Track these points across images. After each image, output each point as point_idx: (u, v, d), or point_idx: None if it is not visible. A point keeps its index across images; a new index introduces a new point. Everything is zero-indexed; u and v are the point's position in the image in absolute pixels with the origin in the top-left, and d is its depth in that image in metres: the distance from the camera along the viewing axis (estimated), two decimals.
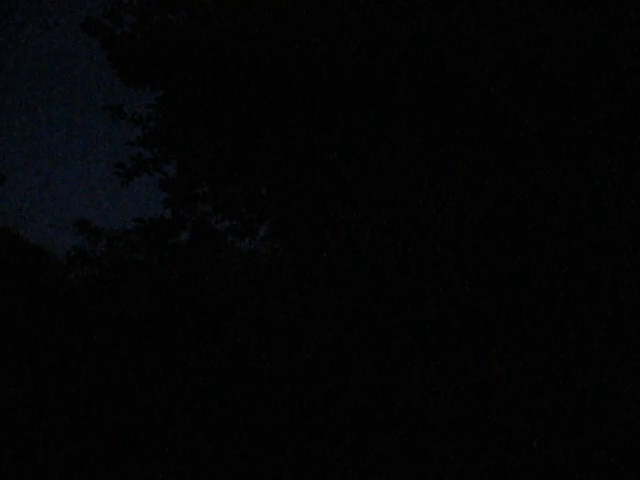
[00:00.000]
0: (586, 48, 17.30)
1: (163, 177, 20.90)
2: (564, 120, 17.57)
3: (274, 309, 19.99)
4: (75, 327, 21.86)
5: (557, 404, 16.21)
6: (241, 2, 19.14)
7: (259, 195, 20.58)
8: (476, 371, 16.92)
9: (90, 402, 20.14)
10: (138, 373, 21.26)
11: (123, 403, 20.02)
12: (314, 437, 17.27)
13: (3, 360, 21.71)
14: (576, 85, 17.38)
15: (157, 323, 20.86)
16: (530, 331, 17.11)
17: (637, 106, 17.11)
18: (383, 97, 18.84)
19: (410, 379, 17.71)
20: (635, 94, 17.00)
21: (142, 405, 19.77)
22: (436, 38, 18.31)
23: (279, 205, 20.50)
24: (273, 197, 20.54)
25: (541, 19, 17.71)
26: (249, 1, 19.29)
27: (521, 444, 15.93)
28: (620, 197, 17.24)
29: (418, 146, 18.24)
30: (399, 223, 18.73)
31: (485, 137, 18.05)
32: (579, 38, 17.27)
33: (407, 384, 17.61)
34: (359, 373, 18.47)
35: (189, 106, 20.65)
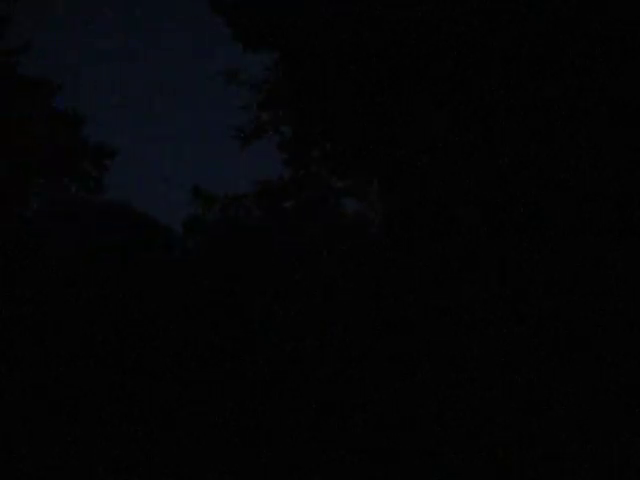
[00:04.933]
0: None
1: (281, 139, 20.91)
2: None
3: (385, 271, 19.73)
4: (190, 299, 21.87)
5: None
6: None
7: (372, 157, 20.43)
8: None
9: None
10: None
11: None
12: None
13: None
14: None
15: (269, 288, 20.74)
16: None
17: None
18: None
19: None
20: None
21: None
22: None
23: (390, 166, 20.31)
24: (385, 159, 20.37)
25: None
26: None
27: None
28: None
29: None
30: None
31: None
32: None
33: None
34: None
35: (306, 68, 20.62)
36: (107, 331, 21.91)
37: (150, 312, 21.57)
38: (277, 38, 21.30)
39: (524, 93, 18.18)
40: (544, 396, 16.04)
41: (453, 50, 19.24)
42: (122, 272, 22.53)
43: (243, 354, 19.64)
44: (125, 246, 23.29)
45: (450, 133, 19.31)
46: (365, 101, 20.18)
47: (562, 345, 16.63)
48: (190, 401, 18.56)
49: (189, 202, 22.53)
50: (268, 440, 17.03)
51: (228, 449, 17.01)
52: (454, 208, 19.02)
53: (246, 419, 17.97)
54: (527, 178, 18.14)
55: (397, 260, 19.61)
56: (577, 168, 17.81)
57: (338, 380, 18.36)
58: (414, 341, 18.12)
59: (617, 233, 17.25)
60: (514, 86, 18.57)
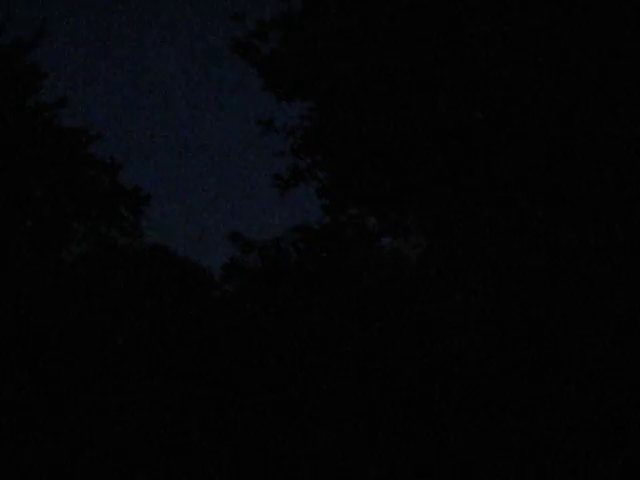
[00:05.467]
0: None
1: (319, 184, 21.46)
2: None
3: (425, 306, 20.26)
4: (232, 340, 22.46)
5: None
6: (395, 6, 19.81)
7: (410, 197, 21.01)
8: None
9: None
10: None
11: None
12: None
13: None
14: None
15: (311, 328, 21.32)
16: None
17: None
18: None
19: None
20: None
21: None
22: None
23: (430, 206, 20.87)
24: (425, 199, 20.94)
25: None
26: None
27: None
28: None
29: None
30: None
31: None
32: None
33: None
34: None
35: (340, 115, 21.21)
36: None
37: (189, 357, 22.18)
38: (311, 88, 21.88)
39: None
40: None
41: (494, 97, 19.83)
42: (163, 314, 23.09)
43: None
44: (165, 290, 23.88)
45: (483, 175, 19.88)
46: (403, 143, 20.78)
47: None
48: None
49: (228, 246, 23.17)
50: None
51: None
52: (490, 245, 19.57)
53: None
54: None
55: (438, 295, 20.17)
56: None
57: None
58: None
59: None
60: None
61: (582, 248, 18.11)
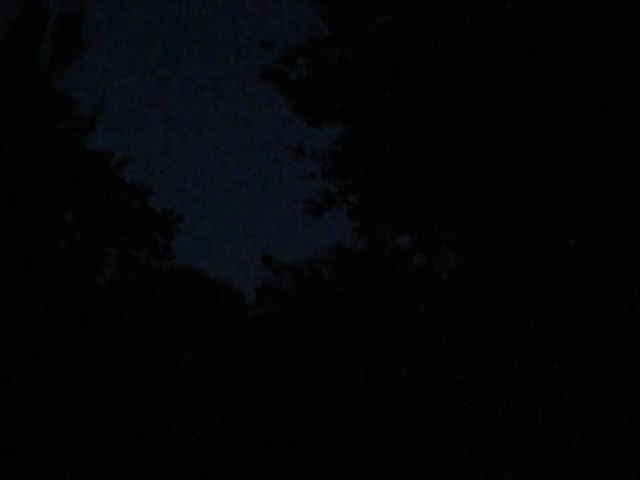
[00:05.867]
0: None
1: (350, 207, 21.79)
2: None
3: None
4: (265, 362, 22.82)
5: None
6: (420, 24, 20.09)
7: (442, 217, 21.33)
8: None
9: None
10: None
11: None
12: None
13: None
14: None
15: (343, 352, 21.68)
16: None
17: None
18: None
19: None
20: None
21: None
22: None
23: (466, 224, 21.18)
24: (461, 217, 21.24)
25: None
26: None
27: None
28: None
29: None
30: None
31: None
32: None
33: None
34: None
35: (371, 138, 21.53)
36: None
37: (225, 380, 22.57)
38: (340, 112, 22.19)
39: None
40: None
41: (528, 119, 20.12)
42: (197, 335, 23.51)
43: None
44: (198, 311, 24.27)
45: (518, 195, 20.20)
46: (434, 160, 21.09)
47: None
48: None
49: (257, 265, 23.54)
50: None
51: None
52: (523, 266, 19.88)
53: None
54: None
55: (475, 315, 20.50)
56: None
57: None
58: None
59: None
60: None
61: None
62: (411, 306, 21.93)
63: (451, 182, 21.14)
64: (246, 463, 20.08)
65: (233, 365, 23.41)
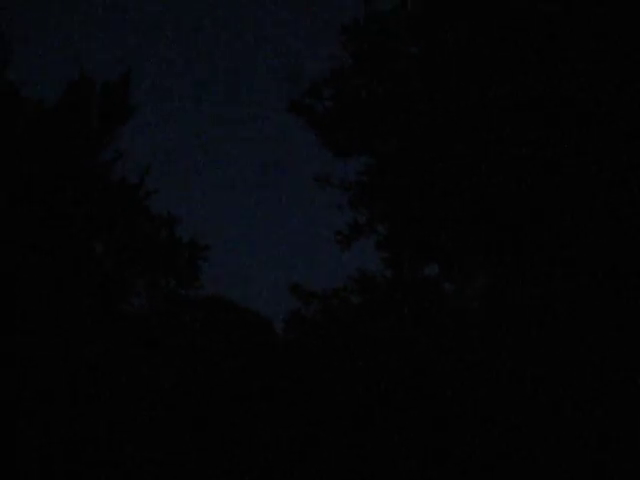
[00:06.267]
0: None
1: (378, 237, 22.01)
2: None
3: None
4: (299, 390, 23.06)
5: None
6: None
7: (471, 245, 21.50)
8: None
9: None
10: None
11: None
12: None
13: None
14: None
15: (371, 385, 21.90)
16: None
17: None
18: None
19: None
20: None
21: None
22: None
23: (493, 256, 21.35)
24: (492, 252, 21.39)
25: None
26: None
27: None
28: None
29: None
30: None
31: None
32: None
33: None
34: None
35: (398, 168, 21.75)
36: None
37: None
38: (367, 143, 22.40)
39: None
40: None
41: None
42: (226, 364, 23.71)
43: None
44: (226, 339, 24.52)
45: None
46: (463, 187, 21.23)
47: None
48: None
49: (288, 296, 23.83)
50: None
51: None
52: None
53: None
54: None
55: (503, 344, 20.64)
56: None
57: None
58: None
59: None
60: None
61: None
62: (442, 335, 22.09)
63: (480, 210, 21.29)
64: None
65: (264, 395, 23.65)
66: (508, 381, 20.69)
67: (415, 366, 21.99)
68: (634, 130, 19.25)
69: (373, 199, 22.64)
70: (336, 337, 23.44)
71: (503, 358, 21.13)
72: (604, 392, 18.75)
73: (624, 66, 19.38)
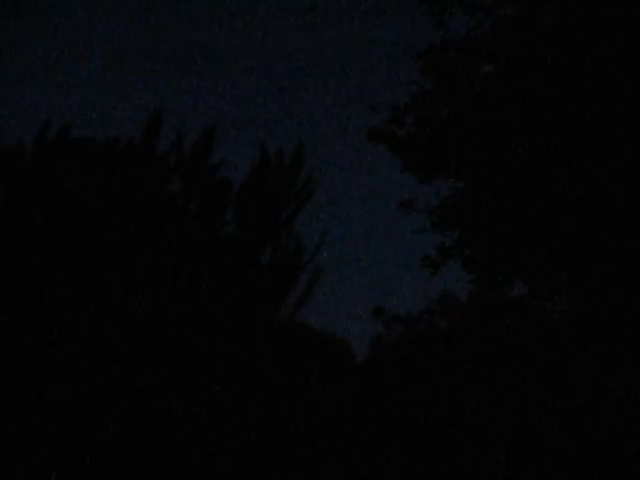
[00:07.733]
0: None
1: (465, 259, 22.02)
2: None
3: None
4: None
5: None
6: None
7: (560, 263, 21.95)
8: None
9: None
10: None
11: None
12: None
13: None
14: None
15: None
16: None
17: None
18: None
19: None
20: None
21: None
22: None
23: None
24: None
25: None
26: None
27: None
28: None
29: None
30: None
31: None
32: None
33: None
34: None
35: (486, 190, 21.63)
36: None
37: None
38: (453, 167, 23.39)
39: None
40: None
41: None
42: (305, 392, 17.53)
43: None
44: (305, 364, 17.68)
45: None
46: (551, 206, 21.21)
47: None
48: None
49: (371, 320, 20.82)
50: None
51: None
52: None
53: None
54: None
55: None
56: None
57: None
58: None
59: None
60: None
61: None
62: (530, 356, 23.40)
63: (573, 230, 22.72)
64: None
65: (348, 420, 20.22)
66: (591, 396, 22.50)
67: (500, 388, 22.62)
68: None
69: (462, 222, 22.21)
70: (424, 361, 22.08)
71: (589, 377, 22.57)
72: None
73: None
